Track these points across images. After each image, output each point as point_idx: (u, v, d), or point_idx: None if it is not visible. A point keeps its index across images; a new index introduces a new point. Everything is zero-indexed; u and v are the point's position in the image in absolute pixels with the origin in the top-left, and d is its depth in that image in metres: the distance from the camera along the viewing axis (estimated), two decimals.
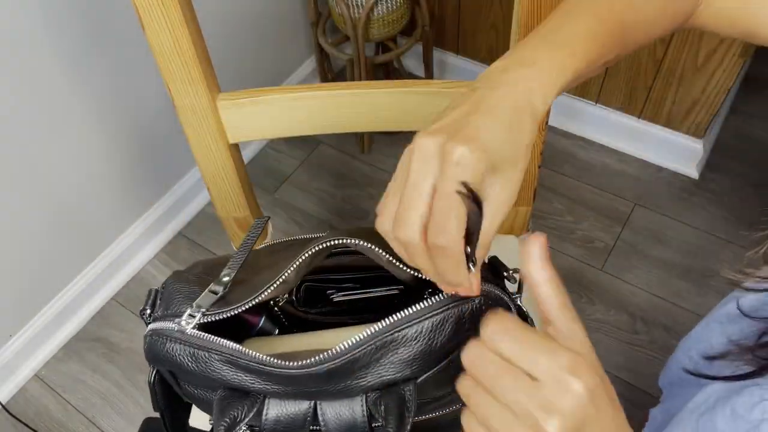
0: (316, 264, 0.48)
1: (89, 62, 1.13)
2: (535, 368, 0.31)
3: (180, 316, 0.42)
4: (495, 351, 0.32)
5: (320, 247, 0.43)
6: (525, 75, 0.38)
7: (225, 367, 0.42)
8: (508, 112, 0.36)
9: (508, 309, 0.43)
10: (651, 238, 1.45)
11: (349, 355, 0.40)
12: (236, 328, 0.49)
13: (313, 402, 0.42)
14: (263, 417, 0.42)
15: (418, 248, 0.34)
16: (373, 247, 0.42)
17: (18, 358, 1.28)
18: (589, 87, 1.55)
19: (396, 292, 0.52)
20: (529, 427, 0.30)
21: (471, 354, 0.33)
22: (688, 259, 1.41)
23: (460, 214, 0.33)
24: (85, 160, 1.22)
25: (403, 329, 0.40)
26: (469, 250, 0.34)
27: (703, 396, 0.48)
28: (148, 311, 0.45)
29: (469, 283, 0.36)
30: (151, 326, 0.44)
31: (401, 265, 0.42)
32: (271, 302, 0.52)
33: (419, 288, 0.44)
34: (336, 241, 0.42)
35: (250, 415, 0.42)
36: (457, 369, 0.33)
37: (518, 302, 0.45)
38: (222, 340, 0.42)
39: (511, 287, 0.46)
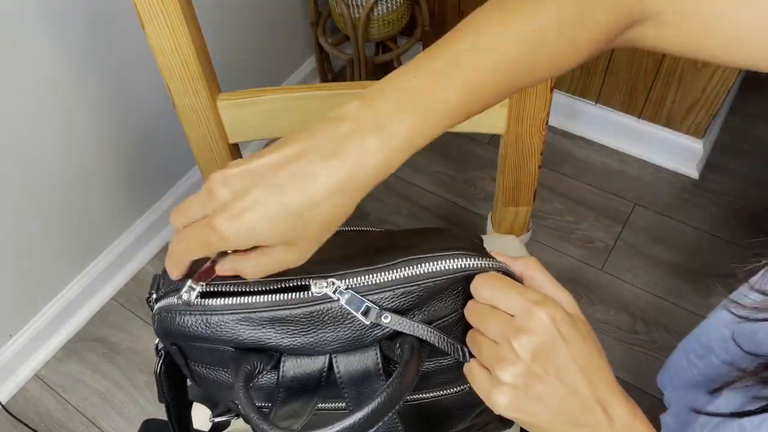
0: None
1: (89, 62, 1.13)
2: (510, 307, 0.38)
3: (180, 290, 0.43)
4: (482, 301, 0.40)
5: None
6: (367, 148, 0.34)
7: (240, 326, 0.42)
8: (319, 195, 0.34)
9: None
10: (651, 238, 1.45)
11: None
12: None
13: (328, 357, 0.43)
14: (280, 373, 0.43)
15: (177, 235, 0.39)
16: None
17: (18, 358, 1.28)
18: (589, 87, 1.55)
19: None
20: (507, 350, 0.37)
21: (468, 306, 0.41)
22: (688, 259, 1.41)
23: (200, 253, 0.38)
24: (84, 159, 1.22)
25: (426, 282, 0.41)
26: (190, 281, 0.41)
27: (713, 409, 0.48)
28: (154, 296, 0.45)
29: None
30: (158, 305, 0.44)
31: None
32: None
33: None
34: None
35: (268, 367, 0.42)
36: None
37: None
38: (231, 298, 0.42)
39: None
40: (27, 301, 1.26)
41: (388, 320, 0.40)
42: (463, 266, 0.41)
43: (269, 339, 0.42)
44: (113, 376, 1.31)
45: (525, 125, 0.69)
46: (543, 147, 0.71)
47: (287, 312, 0.41)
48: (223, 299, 0.42)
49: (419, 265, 0.41)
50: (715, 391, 0.51)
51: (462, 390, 0.48)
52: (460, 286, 0.42)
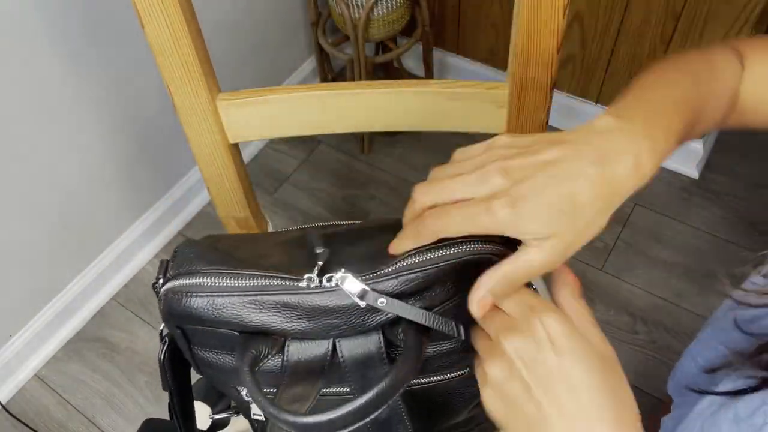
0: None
1: (89, 62, 1.13)
2: (511, 309, 0.39)
3: (193, 273, 0.43)
4: (494, 296, 0.40)
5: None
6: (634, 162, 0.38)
7: (247, 309, 0.43)
8: (587, 196, 0.36)
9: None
10: (651, 238, 1.45)
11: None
12: None
13: (331, 341, 0.44)
14: (285, 357, 0.44)
15: (417, 208, 0.40)
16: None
17: (18, 358, 1.28)
18: (589, 87, 1.55)
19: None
20: (498, 347, 0.38)
21: (474, 300, 0.41)
22: (688, 259, 1.41)
23: (466, 229, 0.38)
24: (84, 160, 1.22)
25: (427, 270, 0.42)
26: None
27: (707, 401, 0.49)
28: (161, 280, 0.45)
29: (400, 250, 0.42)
30: (166, 287, 0.44)
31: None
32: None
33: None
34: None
35: (274, 351, 0.43)
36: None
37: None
38: (240, 278, 0.43)
39: None
40: (27, 301, 1.26)
41: (384, 303, 0.41)
42: (464, 251, 0.41)
43: (274, 323, 0.43)
44: (113, 376, 1.31)
45: (525, 125, 0.69)
46: None
47: (297, 298, 0.42)
48: (233, 279, 0.43)
49: (423, 254, 0.42)
50: (711, 371, 0.51)
51: (461, 375, 0.49)
52: (462, 272, 0.42)
